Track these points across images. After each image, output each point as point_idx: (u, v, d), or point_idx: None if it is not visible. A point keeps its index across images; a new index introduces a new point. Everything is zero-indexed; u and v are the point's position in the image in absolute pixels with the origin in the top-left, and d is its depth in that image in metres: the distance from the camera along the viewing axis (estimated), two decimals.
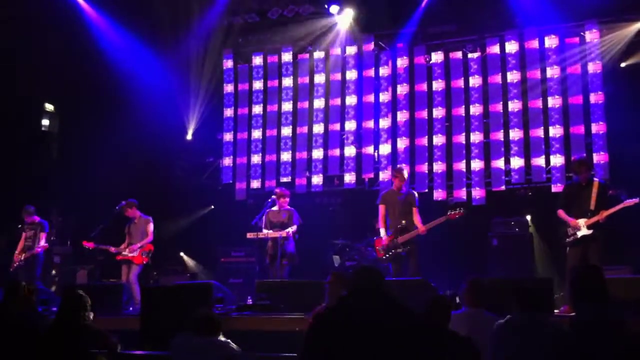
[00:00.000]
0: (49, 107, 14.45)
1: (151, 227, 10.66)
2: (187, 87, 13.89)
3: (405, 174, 9.73)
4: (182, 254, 13.64)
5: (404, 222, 9.33)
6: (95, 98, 13.50)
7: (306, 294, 7.68)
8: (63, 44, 12.74)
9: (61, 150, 14.41)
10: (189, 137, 14.16)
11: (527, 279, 8.70)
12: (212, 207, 14.06)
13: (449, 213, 9.30)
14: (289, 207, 10.33)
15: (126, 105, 12.99)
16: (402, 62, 12.85)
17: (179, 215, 13.79)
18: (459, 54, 12.51)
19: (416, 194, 9.78)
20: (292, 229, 10.01)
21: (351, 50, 13.25)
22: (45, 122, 14.44)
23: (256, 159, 13.62)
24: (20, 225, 11.18)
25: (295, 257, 10.13)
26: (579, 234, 8.16)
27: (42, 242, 10.86)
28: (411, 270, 9.20)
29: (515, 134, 11.87)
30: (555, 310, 7.58)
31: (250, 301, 8.84)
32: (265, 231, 10.13)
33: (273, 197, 10.36)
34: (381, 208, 9.58)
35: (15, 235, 11.26)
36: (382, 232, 9.51)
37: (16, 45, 12.46)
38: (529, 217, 11.57)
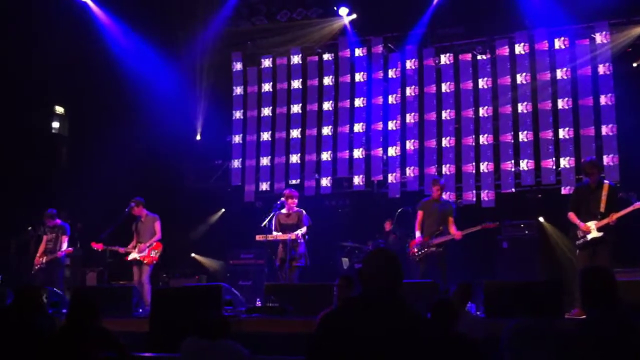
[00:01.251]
0: (59, 109, 14.52)
1: (159, 225, 10.62)
2: (196, 89, 13.93)
3: (442, 184, 10.01)
4: (194, 255, 13.67)
5: (440, 228, 9.61)
6: (104, 101, 13.56)
7: (315, 297, 7.69)
8: (73, 47, 12.80)
9: (71, 153, 14.48)
10: (198, 137, 14.18)
11: (535, 282, 8.67)
12: (223, 210, 14.07)
13: (485, 223, 9.58)
14: (297, 208, 10.33)
15: (135, 108, 13.04)
16: (411, 64, 12.84)
17: (188, 217, 13.82)
18: (468, 56, 12.48)
19: (454, 205, 9.97)
20: (301, 231, 10.01)
21: (360, 52, 13.25)
22: (56, 124, 14.51)
23: (265, 161, 13.64)
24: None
25: (306, 258, 10.11)
26: (589, 236, 8.11)
27: (64, 246, 10.83)
28: (439, 273, 9.42)
29: (525, 136, 11.83)
30: (566, 314, 7.54)
31: (259, 303, 8.84)
32: (274, 233, 10.12)
33: (282, 199, 10.36)
34: (419, 214, 9.87)
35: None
36: (417, 233, 9.77)
37: (26, 49, 12.52)
38: (540, 220, 11.53)
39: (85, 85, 13.60)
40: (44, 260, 10.68)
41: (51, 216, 10.88)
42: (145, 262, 10.33)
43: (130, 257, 10.40)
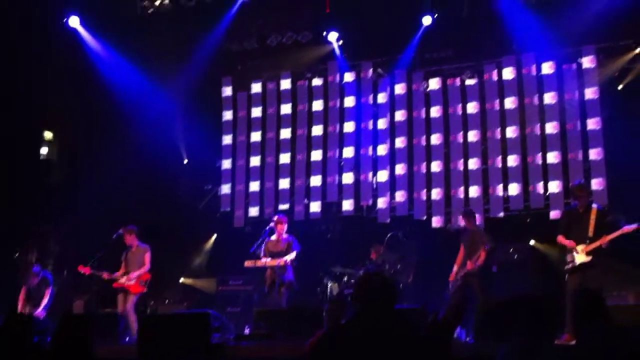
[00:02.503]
0: (48, 135, 14.47)
1: (149, 256, 10.48)
2: (186, 113, 13.91)
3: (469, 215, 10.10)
4: (182, 279, 13.57)
5: (469, 260, 9.59)
6: (93, 125, 13.52)
7: (305, 322, 7.63)
8: (62, 72, 12.81)
9: (60, 178, 14.40)
10: (185, 161, 14.16)
11: (529, 297, 8.62)
12: (216, 235, 14.00)
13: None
14: (287, 234, 10.29)
15: (125, 133, 13.02)
16: (400, 89, 12.88)
17: (178, 242, 13.73)
18: (456, 80, 12.55)
19: (485, 235, 9.92)
20: (290, 257, 9.97)
21: (349, 76, 13.29)
22: (44, 150, 14.45)
23: (254, 186, 13.58)
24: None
25: (295, 284, 10.07)
26: (577, 261, 8.10)
27: (45, 301, 10.52)
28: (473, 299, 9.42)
29: (514, 160, 11.86)
30: (556, 341, 7.49)
31: (248, 331, 8.76)
32: (263, 259, 10.08)
33: (271, 224, 10.32)
34: (462, 247, 9.92)
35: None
36: (455, 268, 9.79)
37: (15, 74, 12.50)
38: (532, 243, 11.52)
39: (74, 110, 13.58)
40: (26, 312, 10.37)
41: (35, 275, 10.64)
42: (132, 291, 10.22)
43: (120, 281, 10.25)
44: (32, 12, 11.69)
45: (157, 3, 12.43)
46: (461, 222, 10.23)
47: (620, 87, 11.68)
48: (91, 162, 13.07)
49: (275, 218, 10.42)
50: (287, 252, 10.04)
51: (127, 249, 10.53)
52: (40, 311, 10.41)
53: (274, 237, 10.25)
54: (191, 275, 13.70)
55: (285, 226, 10.30)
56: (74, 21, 13.00)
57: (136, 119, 13.00)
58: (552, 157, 11.60)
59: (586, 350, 4.75)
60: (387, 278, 3.76)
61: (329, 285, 11.54)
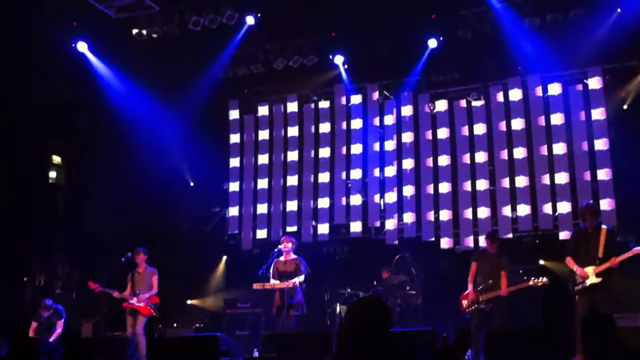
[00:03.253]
0: (56, 159, 14.54)
1: (156, 279, 10.51)
2: (194, 137, 13.96)
3: (495, 239, 10.02)
4: (190, 301, 13.56)
5: (490, 281, 9.51)
6: (101, 149, 13.59)
7: (313, 346, 7.59)
8: (71, 95, 12.87)
9: (68, 202, 14.44)
10: (192, 183, 14.20)
11: (536, 328, 8.57)
12: (225, 257, 13.99)
13: (532, 280, 9.51)
14: (296, 256, 10.28)
15: (133, 156, 13.07)
16: (406, 111, 12.92)
17: (185, 265, 13.72)
18: (463, 102, 12.58)
19: (508, 260, 9.81)
20: (299, 279, 9.95)
21: (356, 99, 13.34)
22: (53, 174, 14.51)
23: (262, 208, 13.61)
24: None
25: (304, 306, 10.03)
26: (587, 282, 8.07)
27: (59, 330, 10.69)
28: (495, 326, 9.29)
29: (521, 181, 11.85)
30: None
31: (256, 354, 8.72)
32: (272, 281, 10.06)
33: (280, 247, 10.33)
34: (473, 265, 9.83)
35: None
36: (470, 287, 9.71)
37: (23, 99, 12.59)
38: (541, 262, 11.48)
39: (81, 134, 13.66)
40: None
41: (48, 308, 10.72)
42: (142, 313, 10.21)
43: (131, 302, 10.23)
44: (40, 38, 11.79)
45: (144, 32, 12.53)
46: (484, 243, 10.17)
47: (625, 107, 11.68)
48: (99, 186, 13.10)
49: (283, 239, 10.46)
50: (295, 274, 10.02)
51: (133, 270, 10.54)
52: (52, 339, 10.45)
53: (282, 258, 10.25)
54: (199, 297, 13.67)
55: (291, 245, 10.30)
56: (82, 46, 13.11)
57: (143, 143, 13.06)
58: (560, 178, 11.59)
59: None
60: (379, 302, 3.71)
61: (338, 308, 11.50)
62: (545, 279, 9.50)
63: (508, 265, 9.65)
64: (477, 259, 9.87)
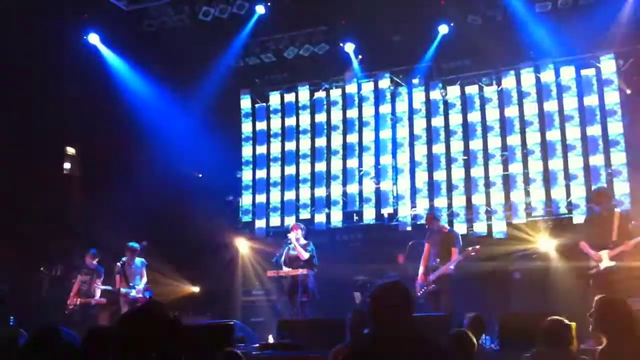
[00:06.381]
0: (71, 150, 14.62)
1: (145, 268, 11.02)
2: (206, 127, 14.00)
3: (433, 216, 10.19)
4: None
5: (437, 260, 9.54)
6: (115, 140, 13.63)
7: (328, 332, 7.63)
8: (83, 87, 12.92)
9: (83, 193, 14.52)
10: (200, 175, 14.27)
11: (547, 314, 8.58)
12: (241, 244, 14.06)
13: (466, 250, 9.53)
14: (306, 241, 10.39)
15: (146, 146, 13.11)
16: (418, 97, 12.91)
17: (199, 254, 13.79)
18: (475, 88, 12.55)
19: (457, 234, 9.90)
20: (304, 255, 10.08)
21: (367, 86, 13.34)
22: (67, 165, 14.60)
23: (275, 196, 13.66)
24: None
25: (316, 293, 10.11)
26: (602, 265, 8.07)
27: (98, 293, 10.95)
28: (443, 307, 9.30)
29: (534, 166, 11.83)
30: (582, 345, 7.44)
31: (271, 340, 8.79)
32: (285, 269, 10.15)
33: (289, 235, 10.43)
34: (426, 247, 9.95)
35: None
36: (421, 269, 9.83)
37: (37, 90, 12.66)
38: (551, 249, 11.45)
39: (96, 125, 13.70)
40: (77, 302, 10.69)
41: (92, 256, 11.00)
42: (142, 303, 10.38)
43: (131, 295, 10.44)
44: (53, 31, 11.83)
45: (155, 23, 12.62)
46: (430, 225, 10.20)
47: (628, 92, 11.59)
48: (113, 177, 13.17)
49: (291, 226, 10.60)
50: (301, 257, 10.13)
51: (122, 263, 10.83)
52: (93, 302, 10.84)
53: (292, 245, 10.35)
54: (214, 285, 13.73)
55: (299, 231, 10.38)
56: (93, 38, 13.15)
57: (157, 133, 13.10)
58: (574, 163, 11.56)
59: (608, 358, 4.74)
60: (401, 287, 3.72)
61: (353, 294, 11.55)
62: (477, 247, 9.50)
63: (457, 240, 9.69)
64: (428, 240, 9.96)
